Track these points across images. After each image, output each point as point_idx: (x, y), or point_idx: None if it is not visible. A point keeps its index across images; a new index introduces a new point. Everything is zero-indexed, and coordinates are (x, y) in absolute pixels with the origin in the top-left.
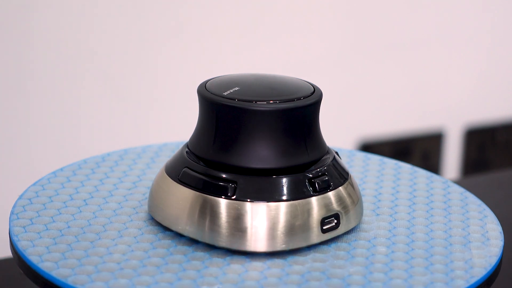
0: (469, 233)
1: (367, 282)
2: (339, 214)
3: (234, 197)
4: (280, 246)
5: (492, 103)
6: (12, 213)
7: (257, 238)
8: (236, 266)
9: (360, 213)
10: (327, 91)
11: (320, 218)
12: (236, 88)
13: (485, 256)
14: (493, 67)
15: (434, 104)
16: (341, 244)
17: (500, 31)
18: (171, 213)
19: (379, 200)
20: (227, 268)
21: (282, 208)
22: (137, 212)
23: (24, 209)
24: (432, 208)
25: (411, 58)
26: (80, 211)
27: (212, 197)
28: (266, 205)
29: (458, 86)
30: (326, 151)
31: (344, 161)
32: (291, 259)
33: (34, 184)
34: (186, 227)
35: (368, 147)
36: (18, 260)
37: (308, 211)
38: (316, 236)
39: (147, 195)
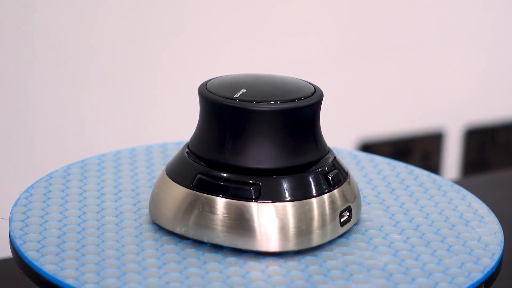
0: (462, 213)
1: (405, 270)
2: (351, 206)
3: (260, 199)
4: (308, 243)
5: (492, 103)
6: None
7: (286, 237)
8: (274, 268)
9: (361, 204)
10: (327, 91)
11: (339, 211)
12: (244, 90)
13: (491, 233)
14: (493, 67)
15: (434, 104)
16: (356, 235)
17: (500, 31)
18: (189, 222)
19: (361, 189)
20: (268, 271)
21: (307, 206)
22: (141, 224)
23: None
24: (413, 193)
25: (411, 58)
26: (81, 226)
27: (237, 201)
28: (291, 204)
29: (458, 86)
30: (328, 148)
31: None
32: (320, 254)
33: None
34: (209, 235)
35: (368, 147)
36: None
37: (330, 206)
38: (337, 229)
39: (139, 204)
